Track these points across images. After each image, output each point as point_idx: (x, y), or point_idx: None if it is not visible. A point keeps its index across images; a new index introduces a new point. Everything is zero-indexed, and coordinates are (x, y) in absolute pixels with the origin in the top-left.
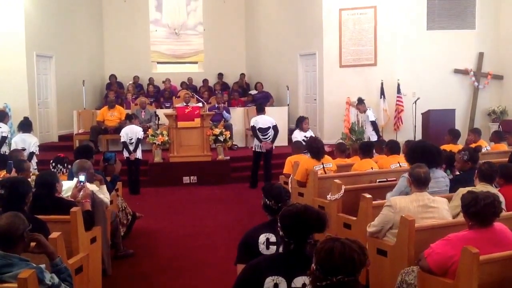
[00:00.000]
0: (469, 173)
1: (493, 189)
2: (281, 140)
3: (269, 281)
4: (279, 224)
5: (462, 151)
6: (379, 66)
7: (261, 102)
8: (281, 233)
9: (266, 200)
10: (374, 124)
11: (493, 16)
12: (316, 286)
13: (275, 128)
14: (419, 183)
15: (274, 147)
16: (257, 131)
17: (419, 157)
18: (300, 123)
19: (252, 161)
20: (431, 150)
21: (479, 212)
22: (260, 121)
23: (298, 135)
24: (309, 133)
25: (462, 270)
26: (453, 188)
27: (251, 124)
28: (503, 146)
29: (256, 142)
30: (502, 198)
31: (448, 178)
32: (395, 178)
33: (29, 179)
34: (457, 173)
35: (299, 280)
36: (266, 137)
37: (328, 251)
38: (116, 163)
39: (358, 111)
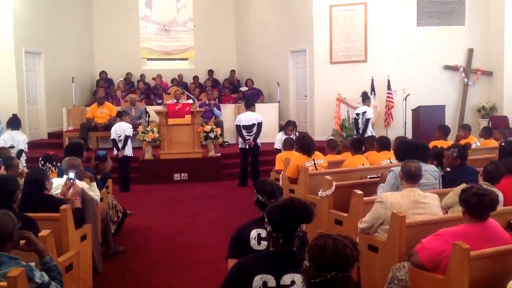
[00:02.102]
0: (459, 170)
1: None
2: (271, 137)
3: (257, 279)
4: (266, 220)
5: (451, 148)
6: (369, 63)
7: (252, 98)
8: (268, 228)
9: (259, 196)
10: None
11: (483, 12)
12: (309, 283)
13: (258, 125)
14: (409, 177)
15: (260, 144)
16: (242, 128)
17: (409, 153)
18: (286, 126)
19: (240, 158)
20: (418, 146)
21: (466, 199)
22: (244, 118)
23: (281, 137)
24: None
25: (453, 265)
26: (445, 185)
27: (236, 123)
28: (493, 142)
29: (240, 138)
30: (501, 198)
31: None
32: None
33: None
34: (448, 169)
35: (287, 278)
36: (251, 134)
37: (320, 247)
38: (107, 161)
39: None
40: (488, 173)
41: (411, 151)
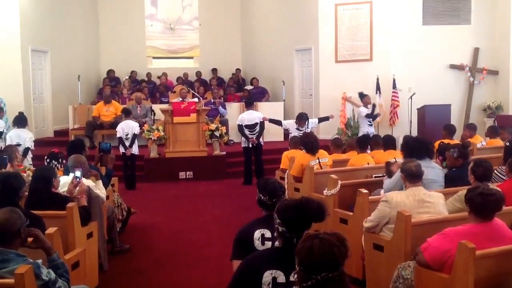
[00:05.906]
0: (462, 170)
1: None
2: (276, 135)
3: (267, 275)
4: (278, 220)
5: (451, 149)
6: (374, 61)
7: (257, 97)
8: (281, 228)
9: (261, 195)
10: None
11: (489, 11)
12: (302, 286)
13: (261, 124)
14: (412, 177)
15: (263, 142)
16: (244, 128)
17: (415, 150)
18: (298, 120)
19: (244, 157)
20: (424, 142)
21: (471, 199)
22: (247, 117)
23: (292, 123)
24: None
25: (458, 264)
26: (447, 184)
27: (237, 122)
28: (498, 141)
29: (243, 137)
30: None
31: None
32: None
33: (25, 174)
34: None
35: None
36: (253, 133)
37: (308, 249)
38: (110, 154)
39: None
40: (480, 177)
41: (417, 148)
